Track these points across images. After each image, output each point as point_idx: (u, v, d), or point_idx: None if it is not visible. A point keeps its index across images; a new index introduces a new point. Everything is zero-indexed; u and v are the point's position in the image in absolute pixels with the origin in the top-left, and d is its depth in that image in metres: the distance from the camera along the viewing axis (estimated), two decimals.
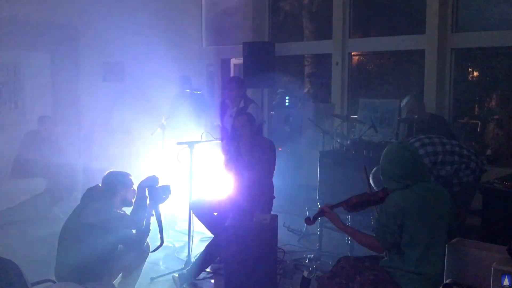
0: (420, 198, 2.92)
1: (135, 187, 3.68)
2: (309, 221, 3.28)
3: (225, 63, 9.29)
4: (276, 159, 4.67)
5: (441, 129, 5.58)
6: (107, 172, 3.73)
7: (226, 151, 5.32)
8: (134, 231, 3.68)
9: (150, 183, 3.57)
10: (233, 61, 9.33)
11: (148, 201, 3.57)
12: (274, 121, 8.27)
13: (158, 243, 3.67)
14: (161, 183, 3.64)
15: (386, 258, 3.07)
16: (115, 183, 3.66)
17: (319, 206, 5.41)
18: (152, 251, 3.81)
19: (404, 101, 6.67)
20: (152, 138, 6.03)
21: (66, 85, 7.34)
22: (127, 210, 3.71)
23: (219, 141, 4.98)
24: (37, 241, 5.10)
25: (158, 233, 3.64)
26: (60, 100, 7.32)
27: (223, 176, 5.27)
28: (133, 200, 3.68)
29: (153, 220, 3.66)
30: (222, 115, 5.68)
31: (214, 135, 4.82)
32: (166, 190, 3.60)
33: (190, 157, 4.51)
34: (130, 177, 3.77)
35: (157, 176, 3.64)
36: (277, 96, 8.55)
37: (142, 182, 3.59)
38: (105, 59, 7.77)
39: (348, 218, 4.71)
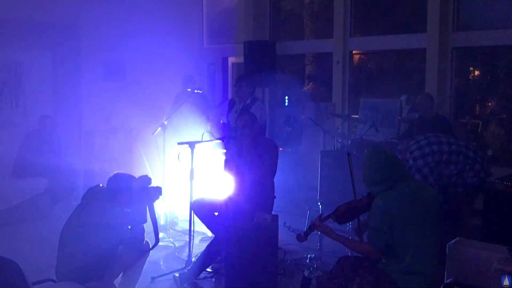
0: (405, 197, 2.95)
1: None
2: (301, 237, 3.26)
3: (226, 62, 9.29)
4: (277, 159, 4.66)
5: (443, 129, 5.57)
6: (113, 173, 3.72)
7: (228, 149, 5.34)
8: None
9: (143, 183, 3.62)
10: (231, 59, 9.32)
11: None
12: (275, 121, 8.26)
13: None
14: (153, 183, 3.71)
15: (383, 260, 3.07)
16: (121, 186, 3.65)
17: (319, 205, 5.44)
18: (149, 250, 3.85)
19: (403, 98, 6.67)
20: (153, 137, 6.02)
21: (67, 84, 7.33)
22: None
23: (220, 140, 4.98)
24: (37, 241, 5.11)
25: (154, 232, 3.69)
26: (61, 100, 7.31)
27: (223, 175, 5.26)
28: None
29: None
30: (229, 112, 5.70)
31: (216, 134, 4.81)
32: (157, 191, 3.67)
33: (191, 157, 4.50)
34: (135, 180, 3.76)
35: (149, 176, 3.70)
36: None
37: (135, 181, 3.63)
38: (106, 58, 7.77)
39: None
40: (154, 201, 3.70)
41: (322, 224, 3.18)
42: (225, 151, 5.48)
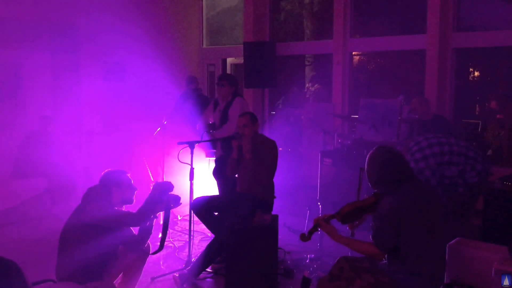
0: (411, 197, 2.93)
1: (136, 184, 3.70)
2: (305, 237, 3.22)
3: (225, 63, 9.30)
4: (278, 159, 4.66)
5: (443, 129, 5.57)
6: (104, 171, 3.72)
7: (217, 150, 5.35)
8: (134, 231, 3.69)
9: (166, 188, 3.58)
10: (230, 60, 9.32)
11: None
12: (275, 121, 8.27)
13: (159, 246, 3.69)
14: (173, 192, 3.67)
15: (384, 261, 3.05)
16: (111, 182, 3.65)
17: (319, 205, 5.43)
18: (151, 254, 3.82)
19: (400, 98, 6.67)
20: (153, 138, 6.02)
21: (67, 84, 7.33)
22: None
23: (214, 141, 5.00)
24: (37, 241, 5.10)
25: (160, 238, 3.65)
26: (61, 100, 7.31)
27: (220, 175, 5.26)
28: (134, 198, 3.68)
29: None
30: (213, 112, 5.67)
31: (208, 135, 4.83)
32: (176, 200, 3.63)
33: (190, 157, 4.50)
34: (127, 175, 3.75)
35: (172, 184, 3.65)
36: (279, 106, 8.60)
37: (159, 185, 3.60)
38: (105, 59, 7.77)
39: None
40: (171, 208, 3.66)
41: (326, 224, 3.15)
42: (215, 151, 5.49)
